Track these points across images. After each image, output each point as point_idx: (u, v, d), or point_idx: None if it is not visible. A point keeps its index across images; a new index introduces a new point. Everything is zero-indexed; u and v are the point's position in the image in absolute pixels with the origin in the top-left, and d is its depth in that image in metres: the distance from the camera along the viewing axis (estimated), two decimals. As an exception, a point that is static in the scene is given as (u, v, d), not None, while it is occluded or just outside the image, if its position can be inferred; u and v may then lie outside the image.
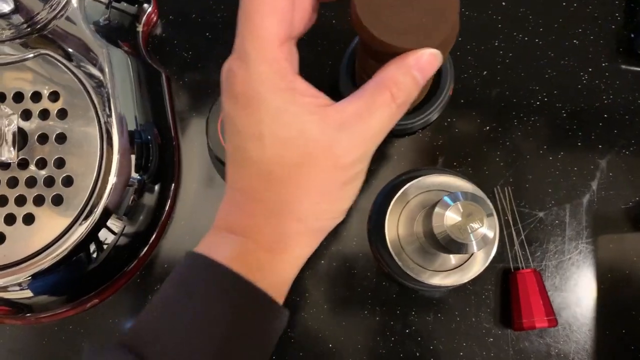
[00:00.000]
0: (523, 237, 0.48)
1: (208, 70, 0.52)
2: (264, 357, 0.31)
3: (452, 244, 0.37)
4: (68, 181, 0.43)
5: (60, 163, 0.43)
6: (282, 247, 0.30)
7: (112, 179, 0.44)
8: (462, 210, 0.36)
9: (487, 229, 0.36)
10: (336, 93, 0.49)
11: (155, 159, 0.49)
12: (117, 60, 0.46)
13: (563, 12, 0.51)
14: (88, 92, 0.44)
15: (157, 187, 0.50)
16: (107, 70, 0.44)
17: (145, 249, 0.49)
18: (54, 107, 0.44)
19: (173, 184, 0.50)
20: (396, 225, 0.45)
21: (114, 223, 0.45)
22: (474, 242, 0.36)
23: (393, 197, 0.45)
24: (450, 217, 0.36)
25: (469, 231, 0.36)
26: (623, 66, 0.50)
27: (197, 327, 0.29)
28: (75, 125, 0.44)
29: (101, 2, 0.46)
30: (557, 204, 0.48)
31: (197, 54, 0.52)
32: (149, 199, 0.48)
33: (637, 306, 0.47)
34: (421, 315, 0.47)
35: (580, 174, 0.49)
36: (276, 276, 0.31)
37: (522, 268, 0.47)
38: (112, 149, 0.44)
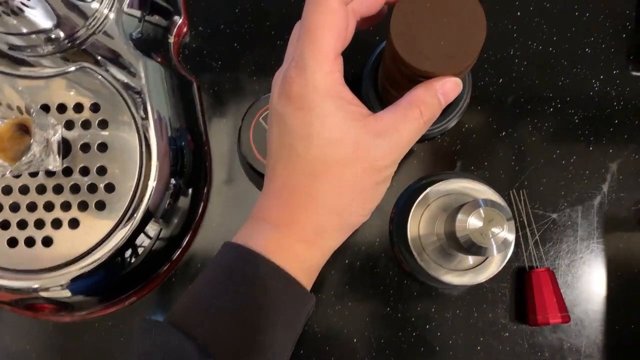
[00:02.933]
0: (537, 237, 0.50)
1: (236, 79, 0.54)
2: (295, 337, 0.34)
3: (474, 248, 0.39)
4: (110, 187, 0.46)
5: (102, 170, 0.46)
6: (318, 240, 0.34)
7: (152, 184, 0.47)
8: (484, 216, 0.39)
9: (507, 234, 0.39)
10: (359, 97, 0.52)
11: (189, 163, 0.52)
12: (152, 70, 0.48)
13: (576, 21, 0.53)
14: (126, 102, 0.47)
15: (190, 191, 0.52)
16: (144, 80, 0.47)
17: (180, 250, 0.52)
18: (95, 117, 0.47)
19: (205, 188, 0.53)
20: (417, 227, 0.47)
21: (151, 226, 0.48)
22: (494, 246, 0.39)
23: (415, 200, 0.47)
24: (472, 222, 0.39)
25: (490, 236, 0.39)
26: (633, 73, 0.52)
27: (241, 310, 0.32)
28: (115, 133, 0.47)
29: (135, 17, 0.48)
30: (570, 206, 0.51)
31: (226, 63, 0.54)
32: (183, 203, 0.51)
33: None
34: (441, 311, 0.50)
35: (591, 176, 0.51)
36: (308, 264, 0.35)
37: (537, 267, 0.49)
38: (150, 156, 0.47)
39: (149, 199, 0.46)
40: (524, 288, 0.49)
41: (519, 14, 0.53)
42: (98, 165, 0.46)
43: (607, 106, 0.52)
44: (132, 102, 0.46)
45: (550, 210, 0.51)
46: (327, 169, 0.32)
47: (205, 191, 0.53)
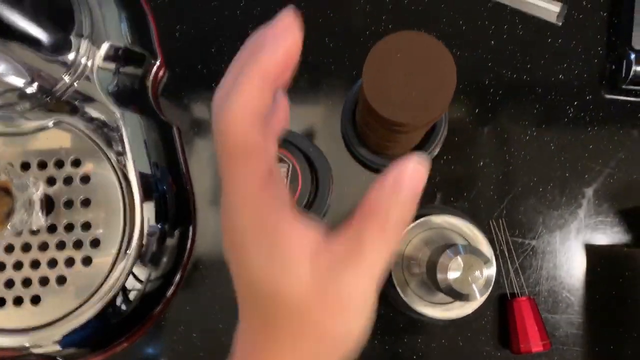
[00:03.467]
0: (517, 265, 0.52)
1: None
2: None
3: (458, 295, 0.40)
4: (95, 242, 0.46)
5: (86, 225, 0.47)
6: None
7: (136, 233, 0.47)
8: (463, 264, 0.40)
9: (487, 275, 0.40)
10: (337, 133, 0.52)
11: (173, 206, 0.52)
12: (131, 120, 0.48)
13: (549, 48, 0.54)
14: (106, 154, 0.47)
15: (176, 232, 0.53)
16: (123, 132, 0.47)
17: (171, 290, 0.53)
18: (76, 173, 0.47)
19: (191, 227, 0.54)
20: (401, 262, 0.48)
21: (141, 272, 0.49)
22: (476, 291, 0.40)
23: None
24: (452, 273, 0.40)
25: (471, 282, 0.40)
26: (606, 96, 0.53)
27: None
28: (97, 187, 0.47)
29: (109, 70, 0.48)
30: (549, 232, 0.52)
31: (205, 103, 0.55)
32: (171, 243, 0.52)
33: (624, 324, 0.51)
34: (427, 342, 0.52)
35: (568, 202, 0.52)
36: None
37: (518, 294, 0.51)
38: (134, 206, 0.47)
39: (135, 248, 0.47)
40: (506, 316, 0.51)
41: (492, 42, 0.54)
42: (82, 220, 0.46)
43: (581, 132, 0.53)
44: (112, 154, 0.47)
45: (529, 237, 0.52)
46: (278, 323, 0.26)
47: (191, 231, 0.54)
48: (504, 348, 0.51)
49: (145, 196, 0.48)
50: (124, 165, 0.47)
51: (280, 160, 0.48)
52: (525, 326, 0.49)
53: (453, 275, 0.40)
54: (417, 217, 0.49)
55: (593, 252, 0.52)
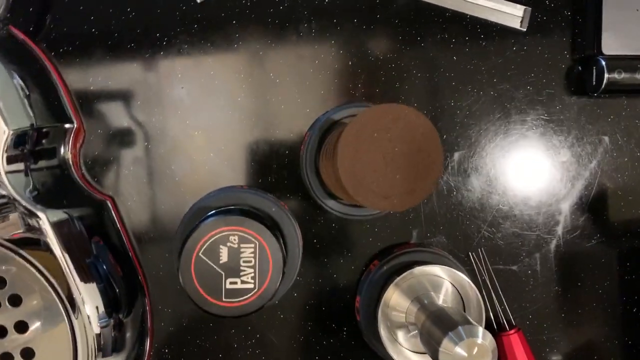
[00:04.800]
0: (501, 294, 0.50)
1: (153, 181, 0.47)
2: None
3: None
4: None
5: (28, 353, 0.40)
6: None
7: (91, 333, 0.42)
8: (466, 354, 0.37)
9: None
10: (299, 181, 0.47)
11: (122, 291, 0.46)
12: (57, 218, 0.41)
13: (514, 58, 0.49)
14: (34, 266, 0.40)
15: (132, 314, 0.47)
16: (51, 237, 0.40)
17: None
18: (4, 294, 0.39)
19: (147, 301, 0.48)
20: (386, 317, 0.45)
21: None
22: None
23: (382, 291, 0.45)
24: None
25: (475, 366, 0.37)
26: (575, 104, 0.50)
27: None
28: (31, 306, 0.40)
29: (19, 171, 0.39)
30: (528, 255, 0.50)
31: (138, 165, 0.47)
32: (130, 326, 0.46)
33: (608, 338, 0.51)
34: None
35: (545, 222, 0.50)
36: None
37: (505, 326, 0.49)
38: (77, 310, 0.41)
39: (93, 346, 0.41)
40: (495, 349, 0.50)
41: (454, 58, 0.49)
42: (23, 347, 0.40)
43: (553, 144, 0.50)
44: (46, 271, 0.39)
45: (510, 263, 0.50)
46: None
47: (147, 304, 0.48)
48: (493, 376, 0.50)
49: (89, 293, 0.42)
50: (63, 270, 0.40)
51: (246, 240, 0.42)
52: (516, 361, 0.48)
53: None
54: (398, 270, 0.45)
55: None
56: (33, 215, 0.39)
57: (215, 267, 0.41)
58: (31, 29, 0.45)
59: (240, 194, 0.45)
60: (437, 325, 0.39)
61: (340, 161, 0.34)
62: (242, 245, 0.41)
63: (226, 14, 0.47)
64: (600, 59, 0.47)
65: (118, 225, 0.46)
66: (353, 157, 0.34)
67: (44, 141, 0.42)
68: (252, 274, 0.41)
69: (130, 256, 0.47)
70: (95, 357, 0.43)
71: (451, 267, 0.45)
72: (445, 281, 0.45)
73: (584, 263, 0.51)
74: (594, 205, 0.50)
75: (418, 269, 0.44)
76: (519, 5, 0.48)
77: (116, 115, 0.47)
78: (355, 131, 0.34)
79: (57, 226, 0.40)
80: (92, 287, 0.43)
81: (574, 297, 0.51)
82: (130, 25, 0.46)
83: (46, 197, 0.41)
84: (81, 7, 0.46)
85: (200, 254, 0.42)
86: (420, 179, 0.35)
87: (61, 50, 0.46)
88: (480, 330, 0.38)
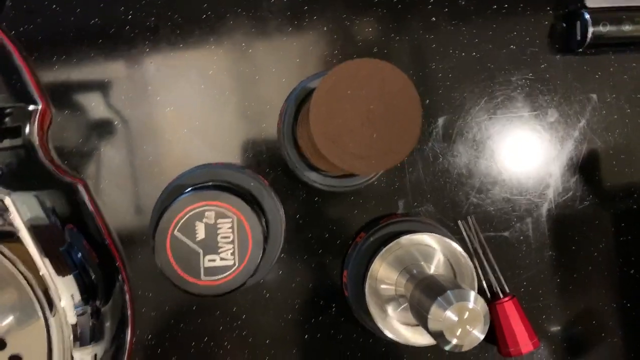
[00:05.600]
0: (493, 261, 0.48)
1: (126, 162, 0.45)
2: None
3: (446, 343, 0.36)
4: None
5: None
6: None
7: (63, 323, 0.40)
8: (457, 318, 0.35)
9: (479, 331, 0.36)
10: (278, 155, 0.45)
11: (99, 278, 0.44)
12: (25, 201, 0.39)
13: (495, 16, 0.47)
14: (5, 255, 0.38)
15: (111, 301, 0.45)
16: (17, 219, 0.38)
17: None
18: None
19: (127, 294, 0.46)
20: (375, 290, 0.43)
21: (87, 354, 0.42)
22: (478, 335, 0.36)
23: (369, 263, 0.43)
24: (447, 330, 0.35)
25: (467, 333, 0.36)
26: (561, 62, 0.48)
27: None
28: (8, 301, 0.38)
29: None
30: (520, 220, 0.49)
31: (109, 146, 0.45)
32: (110, 314, 0.45)
33: (606, 301, 0.50)
34: (414, 356, 0.48)
35: (536, 185, 0.49)
36: None
37: (499, 294, 0.48)
38: (52, 306, 0.39)
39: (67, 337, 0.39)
40: (490, 318, 0.48)
41: (433, 19, 0.47)
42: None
43: (540, 104, 0.48)
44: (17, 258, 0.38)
45: (501, 229, 0.49)
46: None
47: (127, 292, 0.46)
48: (492, 352, 0.49)
49: (64, 285, 0.40)
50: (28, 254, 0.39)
51: (222, 215, 0.40)
52: (512, 329, 0.46)
53: (448, 330, 0.35)
54: (385, 240, 0.44)
55: (565, 230, 0.49)
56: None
57: (191, 244, 0.39)
58: (-11, 8, 0.43)
59: (217, 170, 0.43)
60: (426, 293, 0.38)
61: (313, 122, 0.33)
62: (218, 221, 0.39)
63: (193, -16, 0.45)
64: (584, 12, 0.46)
65: (91, 210, 0.44)
66: (326, 116, 0.33)
67: (6, 120, 0.40)
68: (232, 250, 0.39)
69: (106, 241, 0.45)
70: (72, 347, 0.41)
71: (440, 235, 0.43)
72: (434, 250, 0.43)
73: (578, 226, 0.49)
74: (584, 166, 0.49)
75: (405, 239, 0.43)
76: (497, -39, 0.46)
77: (84, 95, 0.45)
78: (327, 89, 0.32)
79: (27, 214, 0.38)
80: (67, 276, 0.42)
81: (569, 261, 0.49)
82: (93, 1, 0.44)
83: (12, 179, 0.39)
84: (41, -16, 0.44)
85: (175, 232, 0.40)
86: (399, 138, 0.33)
87: (22, 29, 0.44)
88: (471, 293, 0.36)
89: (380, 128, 0.33)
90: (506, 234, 0.49)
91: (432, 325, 0.36)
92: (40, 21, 0.44)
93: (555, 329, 0.49)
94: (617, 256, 0.49)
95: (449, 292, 0.36)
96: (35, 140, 0.42)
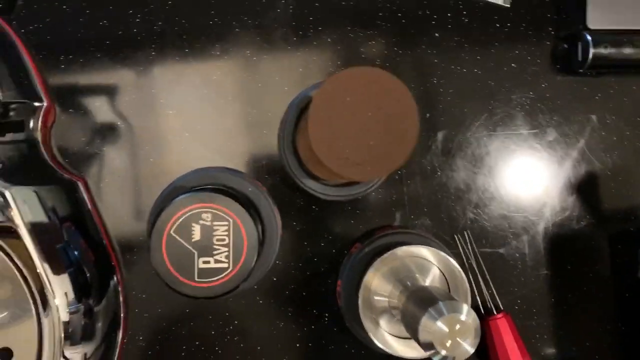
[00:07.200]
0: (488, 277, 0.48)
1: (126, 162, 0.46)
2: None
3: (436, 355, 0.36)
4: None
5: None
6: None
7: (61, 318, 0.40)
8: (447, 330, 0.35)
9: (470, 344, 0.36)
10: (277, 162, 0.46)
11: (94, 276, 0.44)
12: (25, 196, 0.39)
13: (498, 35, 0.48)
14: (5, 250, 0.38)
15: (104, 301, 0.45)
16: (16, 214, 0.38)
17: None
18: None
19: (120, 294, 0.46)
20: (369, 301, 0.43)
21: (76, 353, 0.42)
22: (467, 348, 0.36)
23: (363, 274, 0.43)
24: (438, 343, 0.35)
25: (457, 344, 0.36)
26: (562, 82, 0.49)
27: None
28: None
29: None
30: (516, 238, 0.49)
31: (111, 146, 0.46)
32: (102, 314, 0.45)
33: (599, 322, 0.49)
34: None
35: (533, 203, 0.49)
36: None
37: (493, 310, 0.47)
38: (47, 304, 0.39)
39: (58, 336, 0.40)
40: (483, 335, 0.48)
41: (436, 35, 0.48)
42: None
43: (539, 123, 0.49)
44: (16, 256, 0.38)
45: (497, 245, 0.49)
46: None
47: (121, 297, 0.47)
48: (482, 363, 0.49)
49: (58, 282, 0.40)
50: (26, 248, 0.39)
51: (219, 218, 0.40)
52: (504, 346, 0.46)
53: (438, 341, 0.35)
54: (380, 251, 0.44)
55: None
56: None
57: (187, 245, 0.39)
58: (1, 5, 0.44)
59: (216, 174, 0.44)
60: (418, 304, 0.38)
61: (312, 127, 0.33)
62: (215, 223, 0.39)
63: (202, -9, 0.46)
64: (586, 34, 0.46)
65: (90, 208, 0.45)
66: (325, 122, 0.33)
67: (11, 114, 0.40)
68: (226, 253, 0.40)
69: (103, 241, 0.46)
70: (62, 345, 0.41)
71: (436, 248, 0.43)
72: (429, 263, 0.43)
73: (574, 246, 0.49)
74: (582, 186, 0.49)
75: (400, 250, 0.43)
76: (501, -20, 0.47)
77: (89, 95, 0.45)
78: (326, 96, 0.33)
79: (26, 209, 0.39)
80: (63, 274, 0.42)
81: (564, 281, 0.49)
82: (101, 3, 0.45)
83: (13, 173, 0.39)
84: (53, -15, 0.45)
85: (171, 232, 0.40)
86: (395, 146, 0.34)
87: (31, 27, 0.44)
88: (463, 306, 0.36)
89: (377, 135, 0.34)
90: (502, 250, 0.49)
91: (422, 336, 0.36)
92: (50, 21, 0.45)
93: (548, 349, 0.49)
94: (612, 278, 0.49)
95: (440, 303, 0.36)
96: (38, 136, 0.43)
